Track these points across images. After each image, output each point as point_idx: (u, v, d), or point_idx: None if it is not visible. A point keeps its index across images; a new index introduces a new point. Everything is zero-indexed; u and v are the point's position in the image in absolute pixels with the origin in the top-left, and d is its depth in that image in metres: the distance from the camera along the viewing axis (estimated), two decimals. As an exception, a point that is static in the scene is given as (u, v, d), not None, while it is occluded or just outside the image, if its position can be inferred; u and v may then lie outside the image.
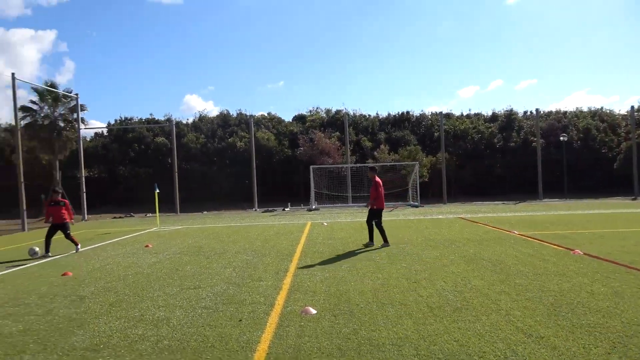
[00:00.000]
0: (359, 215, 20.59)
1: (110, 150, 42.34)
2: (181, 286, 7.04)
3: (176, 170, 29.08)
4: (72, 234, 11.55)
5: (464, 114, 46.02)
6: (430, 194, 36.17)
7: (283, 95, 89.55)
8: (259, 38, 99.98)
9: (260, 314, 5.43)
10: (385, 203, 10.83)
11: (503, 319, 4.93)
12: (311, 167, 27.85)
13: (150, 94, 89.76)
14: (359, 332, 4.68)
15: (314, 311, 5.40)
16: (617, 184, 34.25)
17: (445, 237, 11.53)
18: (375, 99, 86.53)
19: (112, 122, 46.42)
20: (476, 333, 4.53)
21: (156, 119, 44.48)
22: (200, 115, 47.06)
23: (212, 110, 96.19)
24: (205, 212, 27.34)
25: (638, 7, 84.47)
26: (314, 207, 26.08)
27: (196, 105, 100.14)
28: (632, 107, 33.01)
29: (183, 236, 14.16)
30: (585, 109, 45.12)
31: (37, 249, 10.56)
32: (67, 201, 11.81)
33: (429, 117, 44.76)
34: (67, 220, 11.40)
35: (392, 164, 31.34)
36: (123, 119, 46.00)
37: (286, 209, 26.73)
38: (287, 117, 47.10)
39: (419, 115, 45.18)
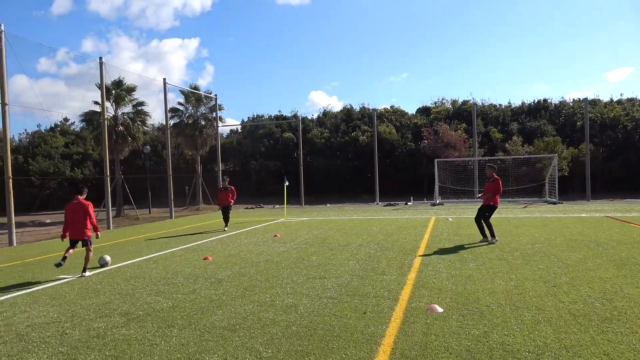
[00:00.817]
0: (487, 211, 19.40)
1: (243, 145, 45.71)
2: (307, 275, 7.32)
3: (301, 164, 30.33)
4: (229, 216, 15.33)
5: (614, 99, 40.71)
6: (571, 189, 32.68)
7: (406, 87, 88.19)
8: (382, 31, 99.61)
9: (385, 308, 5.40)
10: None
11: (667, 335, 4.25)
12: (436, 160, 26.95)
13: (279, 92, 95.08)
14: (490, 335, 4.40)
15: (440, 309, 5.21)
16: None
17: (589, 238, 10.32)
18: (506, 87, 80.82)
19: (245, 119, 50.10)
20: (630, 347, 3.97)
21: (284, 115, 46.86)
22: (325, 110, 48.43)
23: (336, 105, 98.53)
24: (328, 205, 28.12)
25: None
26: (437, 201, 25.25)
27: (320, 101, 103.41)
28: None
29: (308, 227, 14.73)
30: None
31: (108, 258, 9.18)
32: (232, 187, 15.44)
33: (571, 104, 40.41)
34: (230, 204, 15.17)
35: (526, 156, 28.95)
36: (255, 116, 49.34)
37: (409, 203, 26.29)
38: (411, 110, 46.23)
39: (558, 102, 41.04)
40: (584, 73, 79.64)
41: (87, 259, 8.28)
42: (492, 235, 10.23)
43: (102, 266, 8.90)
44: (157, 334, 4.81)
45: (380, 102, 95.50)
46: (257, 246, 10.87)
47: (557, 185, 23.98)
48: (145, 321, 5.26)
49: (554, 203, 22.82)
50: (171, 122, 32.92)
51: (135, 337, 4.73)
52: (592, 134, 31.49)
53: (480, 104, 42.50)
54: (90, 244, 8.33)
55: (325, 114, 47.45)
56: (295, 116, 43.61)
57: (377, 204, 27.67)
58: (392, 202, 27.24)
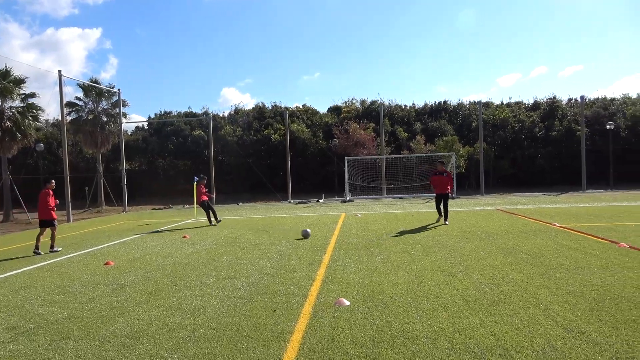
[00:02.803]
0: (393, 206, 20.43)
1: (150, 143, 43.56)
2: (217, 276, 7.19)
3: (212, 163, 29.63)
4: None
5: (504, 102, 44.70)
6: (467, 185, 35.44)
7: (319, 86, 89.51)
8: (296, 30, 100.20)
9: (294, 304, 5.48)
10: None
11: (542, 313, 4.79)
12: (346, 158, 27.75)
13: (189, 88, 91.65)
14: (392, 324, 4.65)
15: (347, 302, 5.40)
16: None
17: (482, 230, 11.27)
18: (411, 89, 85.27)
19: (152, 116, 47.81)
20: (513, 327, 4.42)
21: (194, 112, 45.41)
22: (237, 108, 47.73)
23: (249, 102, 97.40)
24: (240, 204, 27.78)
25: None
26: (348, 198, 26.03)
27: (233, 98, 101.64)
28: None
29: (219, 227, 14.45)
30: (634, 96, 42.88)
31: (309, 230, 11.30)
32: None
33: (467, 106, 43.70)
34: (206, 199, 15.52)
35: (428, 154, 30.83)
36: (162, 112, 47.29)
37: (320, 201, 26.79)
38: (322, 109, 47.10)
39: (456, 104, 44.20)
40: (480, 78, 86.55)
41: (52, 237, 10.85)
42: (446, 218, 12.69)
43: (305, 236, 10.84)
44: (50, 347, 4.46)
45: (294, 101, 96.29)
46: (164, 248, 10.45)
47: (455, 182, 25.83)
48: (36, 334, 4.84)
49: (452, 198, 24.56)
50: (68, 117, 30.46)
51: (25, 353, 4.34)
52: (485, 134, 34.33)
53: (388, 104, 44.48)
54: (55, 225, 10.96)
55: (238, 111, 46.80)
56: (206, 113, 42.51)
57: (290, 202, 27.86)
58: (304, 200, 27.58)
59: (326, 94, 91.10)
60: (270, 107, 45.94)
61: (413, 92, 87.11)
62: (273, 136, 39.77)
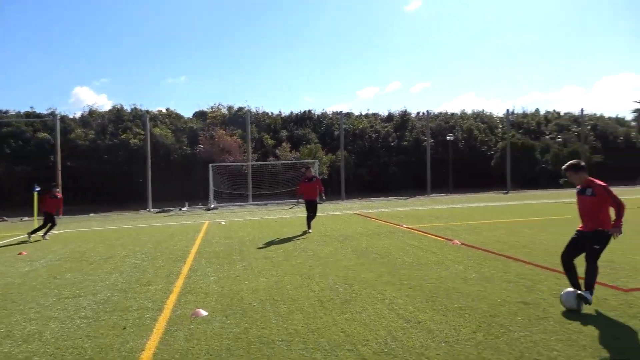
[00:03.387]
0: (258, 213, 20.53)
1: (-21, 146, 37.53)
2: (58, 296, 6.48)
3: (59, 169, 26.62)
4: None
5: (363, 113, 47.92)
6: (330, 191, 37.09)
7: (185, 90, 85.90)
8: (160, 29, 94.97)
9: (147, 319, 5.19)
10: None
11: (387, 307, 5.24)
12: (210, 165, 27.14)
13: (32, 85, 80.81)
14: (249, 330, 4.67)
15: (204, 313, 5.29)
16: (494, 179, 37.90)
17: (340, 233, 11.92)
18: (278, 97, 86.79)
19: (-18, 115, 41.26)
20: (361, 323, 4.75)
21: (37, 112, 40.37)
22: (90, 109, 43.59)
23: (106, 104, 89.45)
24: (92, 214, 25.33)
25: (523, 20, 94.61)
26: (212, 206, 25.45)
27: (87, 98, 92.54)
28: (507, 110, 37.61)
29: (64, 241, 13.02)
30: (469, 112, 49.45)
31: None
32: (61, 197, 14.27)
33: (330, 116, 45.87)
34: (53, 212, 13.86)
35: (293, 161, 31.65)
36: (-4, 112, 41.09)
37: (183, 209, 25.74)
38: (188, 114, 45.45)
39: (320, 114, 46.13)
40: (342, 89, 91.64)
41: None
42: (309, 224, 12.34)
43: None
44: None
45: (157, 104, 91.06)
46: (-7, 268, 9.07)
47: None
48: None
49: (320, 202, 25.53)
50: None
51: None
52: (346, 142, 36.39)
53: (255, 111, 44.66)
54: None
55: (92, 113, 42.81)
56: (52, 114, 38.05)
57: (150, 210, 26.28)
58: (165, 209, 26.23)
59: (192, 98, 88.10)
60: (129, 110, 42.91)
61: (280, 101, 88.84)
62: (132, 140, 37.16)
